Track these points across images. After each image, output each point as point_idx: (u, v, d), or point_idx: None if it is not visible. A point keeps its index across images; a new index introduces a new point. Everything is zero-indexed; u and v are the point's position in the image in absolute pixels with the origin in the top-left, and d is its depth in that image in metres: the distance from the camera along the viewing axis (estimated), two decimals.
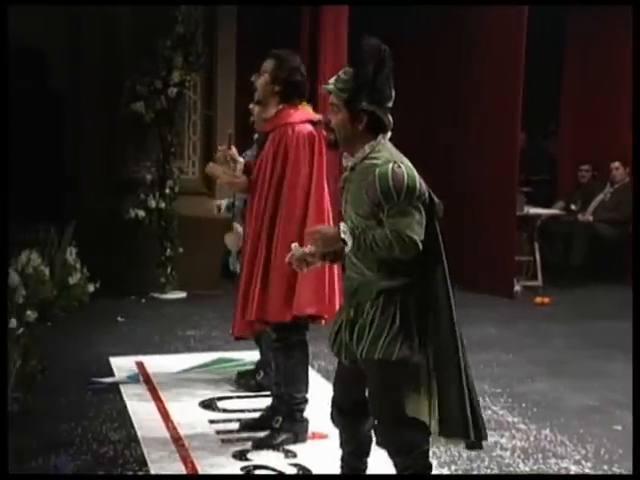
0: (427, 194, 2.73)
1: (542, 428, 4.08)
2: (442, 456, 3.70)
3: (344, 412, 2.96)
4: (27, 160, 7.73)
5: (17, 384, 3.64)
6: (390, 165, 2.68)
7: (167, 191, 7.04)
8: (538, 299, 7.24)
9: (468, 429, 2.75)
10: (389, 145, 2.80)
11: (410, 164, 2.75)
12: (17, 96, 7.70)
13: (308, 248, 2.85)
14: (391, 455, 2.87)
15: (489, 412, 4.32)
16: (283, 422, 3.79)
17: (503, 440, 3.93)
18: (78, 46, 7.19)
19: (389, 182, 2.65)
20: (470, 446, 2.88)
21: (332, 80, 2.86)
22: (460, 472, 3.56)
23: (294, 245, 2.91)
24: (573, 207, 8.39)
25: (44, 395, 4.13)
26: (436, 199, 2.78)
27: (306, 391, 3.79)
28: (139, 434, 3.84)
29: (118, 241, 6.88)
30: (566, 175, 8.91)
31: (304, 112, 3.69)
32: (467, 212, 7.78)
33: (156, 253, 7.04)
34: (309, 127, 3.63)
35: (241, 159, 3.84)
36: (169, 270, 7.03)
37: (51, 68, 7.40)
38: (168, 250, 7.02)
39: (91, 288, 6.37)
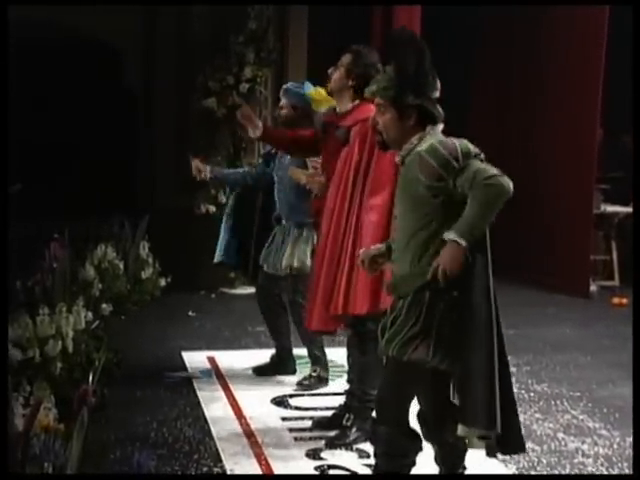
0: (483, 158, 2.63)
1: (626, 435, 3.92)
2: (521, 461, 3.60)
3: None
4: (102, 156, 7.90)
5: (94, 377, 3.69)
6: (433, 141, 2.63)
7: None
8: (616, 299, 7.01)
9: (492, 420, 2.57)
10: (439, 135, 2.72)
11: None
12: (93, 94, 7.89)
13: (376, 248, 2.82)
14: (377, 454, 2.83)
15: (568, 416, 4.20)
16: (355, 420, 3.75)
17: (585, 447, 3.79)
18: (152, 44, 7.29)
19: (443, 153, 2.59)
20: (490, 451, 2.73)
21: (373, 81, 2.84)
22: None
23: (362, 250, 2.90)
24: None
25: (120, 388, 4.19)
26: None
27: None
28: (213, 430, 3.85)
29: (189, 236, 6.95)
30: None
31: None
32: (543, 210, 7.61)
33: None
34: None
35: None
36: None
37: (126, 66, 7.52)
38: None
39: (162, 282, 6.48)
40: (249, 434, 3.84)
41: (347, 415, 3.79)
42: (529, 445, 3.77)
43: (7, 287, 3.34)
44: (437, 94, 2.75)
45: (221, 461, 3.50)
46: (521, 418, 4.05)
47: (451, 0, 7.54)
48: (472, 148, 2.63)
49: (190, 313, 6.22)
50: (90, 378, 3.38)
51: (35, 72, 7.75)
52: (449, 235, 2.56)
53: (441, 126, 2.76)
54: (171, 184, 7.16)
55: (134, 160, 7.79)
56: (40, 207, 6.73)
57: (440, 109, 2.74)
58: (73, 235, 5.46)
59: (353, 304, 3.48)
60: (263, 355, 4.89)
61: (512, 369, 4.86)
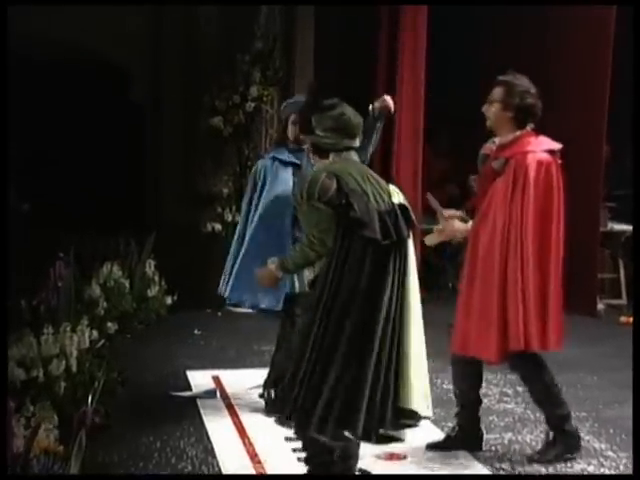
0: (342, 198, 3.00)
1: None
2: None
3: None
4: (108, 173, 7.95)
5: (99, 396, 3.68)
6: (315, 170, 3.13)
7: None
8: (623, 318, 6.96)
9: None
10: (342, 163, 3.12)
11: (342, 174, 3.05)
12: (101, 112, 7.94)
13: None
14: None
15: None
16: None
17: (590, 468, 3.75)
18: (159, 62, 7.34)
19: (301, 184, 3.13)
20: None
21: None
22: None
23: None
24: None
25: (124, 408, 4.18)
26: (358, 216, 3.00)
27: None
28: (216, 450, 3.83)
29: (195, 254, 6.95)
30: None
31: (543, 140, 3.74)
32: None
33: None
34: (547, 156, 3.67)
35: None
36: None
37: (132, 82, 7.57)
38: None
39: (168, 301, 6.48)
40: (252, 454, 3.82)
41: None
42: (535, 467, 3.73)
43: (6, 303, 3.35)
44: (325, 125, 3.12)
45: None
46: (527, 439, 4.07)
47: (456, 0, 7.52)
48: (318, 191, 3.01)
49: (196, 331, 6.21)
50: (90, 398, 3.36)
51: (45, 90, 7.81)
52: (272, 260, 3.23)
53: (346, 153, 3.14)
54: (177, 202, 7.19)
55: (141, 178, 7.82)
56: (47, 225, 6.77)
57: (338, 138, 3.12)
58: (79, 253, 5.48)
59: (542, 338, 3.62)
60: None
61: (518, 389, 4.89)
